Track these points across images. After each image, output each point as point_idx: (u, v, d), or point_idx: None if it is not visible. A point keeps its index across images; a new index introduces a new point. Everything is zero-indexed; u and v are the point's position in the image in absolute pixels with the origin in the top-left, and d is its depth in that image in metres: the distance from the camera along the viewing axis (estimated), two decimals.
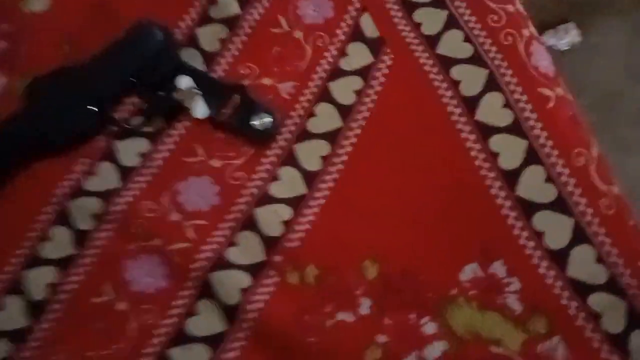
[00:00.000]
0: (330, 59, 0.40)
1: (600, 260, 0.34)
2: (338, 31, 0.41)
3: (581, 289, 0.33)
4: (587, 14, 1.33)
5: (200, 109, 0.38)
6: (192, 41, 0.41)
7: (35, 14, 0.43)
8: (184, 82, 0.39)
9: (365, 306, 0.34)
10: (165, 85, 0.38)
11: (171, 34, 0.40)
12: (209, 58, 0.41)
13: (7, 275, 0.36)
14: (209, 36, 0.41)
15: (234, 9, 0.42)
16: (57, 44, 0.42)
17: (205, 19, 0.42)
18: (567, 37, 1.28)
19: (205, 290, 0.34)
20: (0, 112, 0.41)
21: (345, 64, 0.40)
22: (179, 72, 0.39)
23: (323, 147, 0.38)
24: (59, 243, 0.36)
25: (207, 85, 0.39)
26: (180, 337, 0.34)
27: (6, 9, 0.43)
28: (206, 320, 0.34)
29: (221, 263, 0.35)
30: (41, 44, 0.43)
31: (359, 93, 0.39)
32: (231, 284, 0.34)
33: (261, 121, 0.38)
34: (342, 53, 0.40)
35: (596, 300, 0.33)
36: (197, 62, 0.41)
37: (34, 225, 0.37)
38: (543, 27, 1.30)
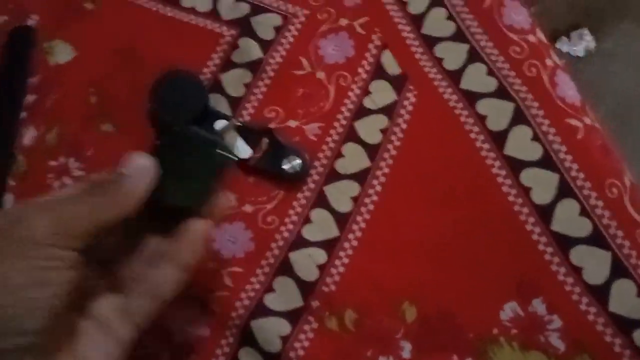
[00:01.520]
0: (354, 98, 0.40)
1: None
2: (360, 69, 0.41)
3: (625, 325, 0.33)
4: (601, 20, 1.32)
5: (243, 148, 0.38)
6: (217, 86, 0.42)
7: (61, 65, 0.44)
8: (220, 124, 0.39)
9: (406, 350, 0.34)
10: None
11: (199, 79, 0.41)
12: (235, 103, 0.41)
13: None
14: (234, 81, 0.42)
15: (256, 52, 0.42)
16: (84, 93, 0.43)
17: (228, 64, 0.42)
18: (582, 43, 1.27)
19: (246, 339, 0.35)
20: (30, 163, 0.42)
21: (369, 103, 0.40)
22: (209, 117, 0.39)
23: (353, 187, 0.38)
24: None
25: (236, 130, 0.40)
26: None
27: (35, 64, 0.44)
28: None
29: (260, 310, 0.35)
30: (68, 95, 0.43)
31: (385, 132, 0.39)
32: (271, 331, 0.34)
33: (291, 164, 0.38)
34: (366, 91, 0.40)
35: None
36: (224, 107, 0.41)
37: None
38: (557, 34, 1.30)
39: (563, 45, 1.27)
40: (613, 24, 1.29)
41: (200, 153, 0.32)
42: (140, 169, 0.29)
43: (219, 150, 0.32)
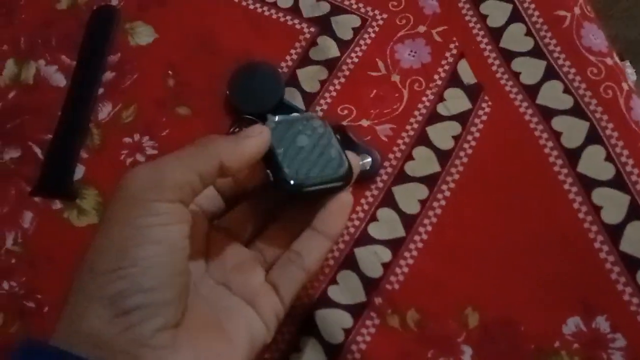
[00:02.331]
0: (427, 103, 0.41)
1: None
2: (435, 76, 0.42)
3: None
4: None
5: None
6: (293, 81, 0.43)
7: (141, 47, 0.46)
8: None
9: (467, 354, 0.34)
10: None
11: (278, 72, 0.42)
12: (309, 98, 0.42)
13: None
14: (309, 77, 0.43)
15: (334, 51, 0.43)
16: (161, 75, 0.44)
17: (306, 60, 0.43)
18: None
19: (308, 328, 0.35)
20: (104, 138, 0.43)
21: (442, 109, 0.41)
22: (284, 109, 0.40)
23: (421, 190, 0.38)
24: None
25: None
26: None
27: (116, 43, 0.45)
28: (308, 358, 0.35)
29: (323, 301, 0.36)
30: (145, 75, 0.45)
31: (457, 138, 0.40)
32: (333, 322, 0.35)
33: (362, 162, 0.39)
34: (440, 98, 0.41)
35: None
36: (298, 102, 0.42)
37: None
38: None
39: None
40: None
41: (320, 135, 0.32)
42: (250, 131, 0.29)
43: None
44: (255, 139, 0.29)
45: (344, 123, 0.41)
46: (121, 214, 0.25)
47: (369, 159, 0.39)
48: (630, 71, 1.29)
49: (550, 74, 0.40)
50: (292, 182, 0.29)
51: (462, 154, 0.39)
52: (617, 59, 0.42)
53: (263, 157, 0.30)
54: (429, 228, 0.38)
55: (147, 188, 0.25)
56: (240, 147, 0.28)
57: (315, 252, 0.30)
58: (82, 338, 0.24)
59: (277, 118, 0.31)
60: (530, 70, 0.41)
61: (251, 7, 0.46)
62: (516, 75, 0.41)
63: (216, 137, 0.28)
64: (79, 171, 0.42)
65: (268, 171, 0.30)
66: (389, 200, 0.38)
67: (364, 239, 0.37)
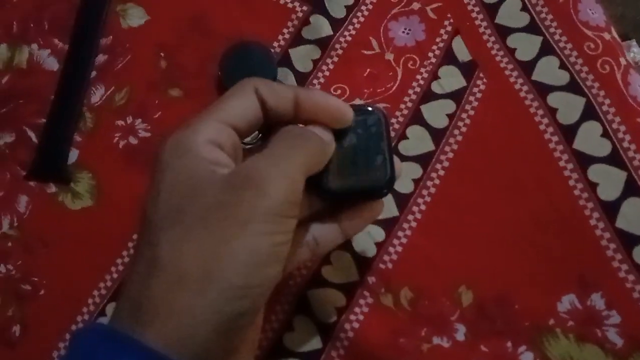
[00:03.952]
0: (422, 82, 0.41)
1: None
2: (430, 54, 0.41)
3: None
4: None
5: None
6: (286, 61, 0.42)
7: (133, 28, 0.45)
8: None
9: (460, 332, 0.34)
10: None
11: (270, 52, 0.41)
12: (302, 78, 0.42)
13: None
14: (302, 56, 0.42)
15: (326, 30, 0.43)
16: (154, 57, 0.44)
17: (298, 40, 0.43)
18: (629, 54, 1.25)
19: (302, 307, 0.35)
20: (97, 121, 0.43)
21: (437, 87, 0.40)
22: None
23: (415, 169, 0.38)
24: None
25: None
26: (277, 352, 0.34)
27: (108, 25, 0.45)
28: (302, 337, 0.35)
29: (316, 280, 0.35)
30: (137, 57, 0.44)
31: (451, 116, 0.39)
32: (327, 301, 0.35)
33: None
34: (434, 76, 0.41)
35: None
36: (291, 81, 0.42)
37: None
38: None
39: None
40: None
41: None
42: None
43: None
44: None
45: None
46: (240, 220, 0.23)
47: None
48: (636, 50, 1.27)
49: (546, 49, 0.40)
50: (330, 186, 0.28)
51: (456, 132, 0.39)
52: (615, 33, 0.41)
53: None
54: (423, 207, 0.37)
55: (280, 200, 0.24)
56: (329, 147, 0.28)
57: (329, 245, 0.30)
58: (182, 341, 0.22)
59: None
60: (526, 46, 0.40)
61: None
62: (512, 51, 0.40)
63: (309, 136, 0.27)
64: (73, 155, 0.42)
65: None
66: None
67: None
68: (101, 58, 0.44)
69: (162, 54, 0.44)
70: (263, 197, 0.23)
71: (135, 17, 0.45)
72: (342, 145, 0.29)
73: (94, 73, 0.44)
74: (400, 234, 0.37)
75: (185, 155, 0.24)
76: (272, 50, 0.42)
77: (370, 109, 0.30)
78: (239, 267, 0.22)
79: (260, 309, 0.26)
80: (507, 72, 0.40)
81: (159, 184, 0.24)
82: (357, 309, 0.35)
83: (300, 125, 0.28)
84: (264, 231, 0.23)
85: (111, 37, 0.45)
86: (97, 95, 0.43)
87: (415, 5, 0.43)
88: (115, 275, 0.38)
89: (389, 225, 0.37)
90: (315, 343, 0.34)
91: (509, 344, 0.33)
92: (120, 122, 0.42)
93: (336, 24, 0.43)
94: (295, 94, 0.27)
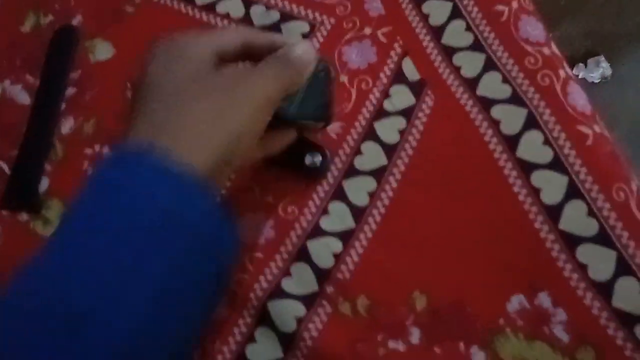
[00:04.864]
0: (375, 101, 0.43)
1: None
2: (381, 74, 0.44)
3: (628, 320, 0.34)
4: (617, 47, 1.34)
5: None
6: None
7: (100, 62, 0.47)
8: None
9: (415, 336, 0.35)
10: None
11: None
12: None
13: None
14: None
15: None
16: (119, 88, 0.46)
17: None
18: (598, 70, 1.29)
19: (263, 319, 0.36)
20: (68, 150, 0.44)
21: (388, 105, 0.42)
22: None
23: (370, 183, 0.40)
24: None
25: None
26: None
27: (77, 60, 0.47)
28: (263, 348, 0.36)
29: (277, 293, 0.37)
30: (105, 89, 0.46)
31: (402, 132, 0.41)
32: (287, 312, 0.36)
33: (313, 160, 0.40)
34: (386, 95, 0.43)
35: None
36: None
37: None
38: (573, 61, 1.32)
39: (580, 71, 1.29)
40: (629, 50, 1.31)
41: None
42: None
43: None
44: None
45: None
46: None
47: (320, 157, 0.41)
48: (605, 65, 1.31)
49: (489, 66, 0.42)
50: (291, 111, 0.35)
51: (407, 146, 0.41)
52: (555, 48, 0.43)
53: None
54: (378, 218, 0.39)
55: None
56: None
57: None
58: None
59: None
60: (470, 63, 0.42)
61: (205, 19, 0.48)
62: (457, 69, 0.43)
63: None
64: (44, 183, 0.44)
65: None
66: (339, 194, 0.40)
67: (316, 232, 0.39)
68: (70, 91, 0.47)
69: (128, 85, 0.46)
70: (254, 87, 0.31)
71: (102, 51, 0.48)
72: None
73: (63, 105, 0.46)
74: (356, 244, 0.38)
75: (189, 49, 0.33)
76: None
77: (319, 57, 0.37)
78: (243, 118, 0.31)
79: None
80: (453, 89, 0.42)
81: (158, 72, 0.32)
82: (316, 318, 0.36)
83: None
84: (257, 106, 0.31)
85: (80, 71, 0.47)
86: (67, 126, 0.45)
87: (367, 30, 0.45)
88: None
89: (346, 237, 0.39)
90: (276, 353, 0.36)
91: (462, 345, 0.35)
92: (89, 151, 0.44)
93: None
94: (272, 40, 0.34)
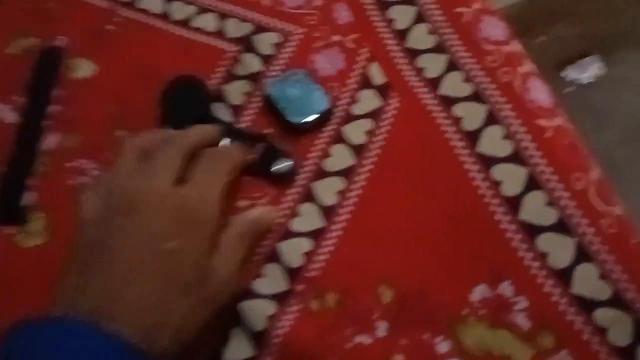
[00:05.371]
0: (344, 106, 0.44)
1: (603, 276, 0.35)
2: (349, 80, 0.45)
3: (586, 305, 0.35)
4: (610, 47, 1.35)
5: None
6: (221, 96, 0.46)
7: (83, 79, 0.50)
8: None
9: (382, 329, 0.36)
10: None
11: (205, 86, 0.45)
12: (236, 110, 0.45)
13: None
14: (235, 91, 0.46)
15: (257, 66, 0.47)
16: (102, 105, 0.48)
17: (231, 77, 0.47)
18: (590, 70, 1.30)
19: (236, 321, 0.38)
20: (50, 165, 0.46)
21: (356, 109, 0.44)
22: (210, 122, 0.44)
23: (338, 183, 0.41)
24: None
25: (234, 135, 0.44)
26: None
27: (60, 78, 0.50)
28: (237, 347, 0.37)
29: (250, 294, 0.38)
30: (87, 106, 0.48)
31: (369, 133, 0.43)
32: (258, 312, 0.37)
33: (282, 165, 0.42)
34: (354, 100, 0.44)
35: (601, 315, 0.34)
36: (226, 115, 0.45)
37: None
38: (566, 62, 1.33)
39: (573, 72, 1.30)
40: (623, 51, 1.32)
41: None
42: None
43: None
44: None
45: (267, 131, 0.44)
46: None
47: (289, 163, 0.42)
48: (598, 65, 1.32)
49: (451, 66, 0.43)
50: (293, 120, 0.43)
51: (374, 146, 0.42)
52: (516, 45, 0.45)
53: (271, 110, 0.44)
54: (347, 216, 0.40)
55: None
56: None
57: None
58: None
59: (271, 82, 0.45)
60: (433, 65, 0.44)
61: (179, 34, 0.50)
62: (420, 70, 0.44)
63: None
64: (28, 197, 0.45)
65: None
66: (309, 196, 0.41)
67: (287, 234, 0.40)
68: (54, 108, 0.49)
69: (110, 101, 0.48)
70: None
71: (85, 69, 0.50)
72: (287, 96, 0.44)
73: (48, 122, 0.48)
74: (326, 242, 0.40)
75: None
76: (207, 87, 0.46)
77: (296, 70, 0.45)
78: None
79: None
80: (416, 90, 0.43)
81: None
82: (287, 316, 0.37)
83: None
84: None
85: (63, 88, 0.49)
86: (51, 141, 0.47)
87: (336, 38, 0.47)
88: None
89: (316, 236, 0.40)
90: (248, 351, 0.37)
91: (427, 335, 0.36)
92: (72, 165, 0.46)
93: (265, 60, 0.47)
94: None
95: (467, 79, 0.43)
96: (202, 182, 0.37)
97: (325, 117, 0.43)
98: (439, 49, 0.45)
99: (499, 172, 0.39)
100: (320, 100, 0.43)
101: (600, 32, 1.37)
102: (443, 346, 0.35)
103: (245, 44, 0.48)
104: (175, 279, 0.33)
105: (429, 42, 0.45)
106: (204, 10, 0.50)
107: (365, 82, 0.45)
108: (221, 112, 0.46)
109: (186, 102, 0.45)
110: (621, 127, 1.20)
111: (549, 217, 0.37)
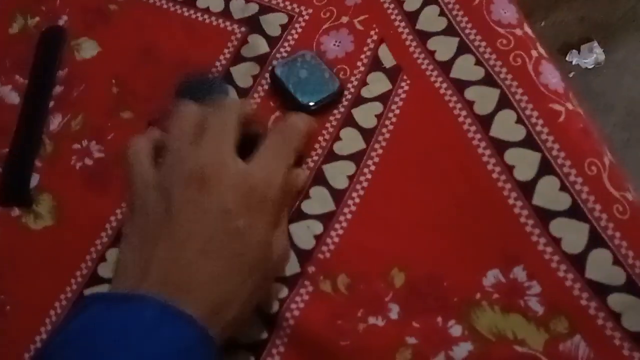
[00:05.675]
0: (352, 89, 0.44)
1: (617, 262, 0.35)
2: (358, 63, 0.45)
3: (600, 290, 0.35)
4: (611, 33, 1.34)
5: None
6: (228, 79, 0.45)
7: (86, 60, 0.49)
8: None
9: (394, 311, 0.36)
10: None
11: (223, 83, 0.45)
12: (243, 93, 0.45)
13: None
14: (242, 73, 0.45)
15: (264, 47, 0.46)
16: (107, 85, 0.47)
17: (238, 58, 0.46)
18: (592, 55, 1.29)
19: None
20: (56, 146, 0.46)
21: (366, 92, 0.43)
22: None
23: (349, 167, 0.41)
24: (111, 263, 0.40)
25: None
26: (227, 347, 0.36)
27: (63, 58, 0.49)
28: (249, 330, 0.37)
29: None
30: (91, 86, 0.48)
31: (379, 117, 0.42)
32: (271, 295, 0.37)
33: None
34: (363, 83, 0.44)
35: (615, 300, 0.34)
36: (234, 96, 0.45)
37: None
38: (567, 47, 1.33)
39: (574, 57, 1.29)
40: (623, 36, 1.31)
41: None
42: None
43: None
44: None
45: (276, 114, 0.44)
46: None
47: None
48: (598, 51, 1.32)
49: (463, 49, 0.43)
50: (305, 102, 0.42)
51: (384, 130, 0.42)
52: (527, 29, 0.44)
53: (281, 91, 0.43)
54: (357, 200, 0.40)
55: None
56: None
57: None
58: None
59: (280, 63, 0.44)
60: (444, 47, 0.43)
61: (185, 14, 0.49)
62: (431, 53, 0.43)
63: None
64: (34, 179, 0.45)
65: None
66: (319, 179, 0.41)
67: (298, 216, 0.40)
68: (58, 89, 0.48)
69: (114, 81, 0.47)
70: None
71: (88, 49, 0.49)
72: (297, 77, 0.43)
73: (52, 103, 0.47)
74: (337, 226, 0.39)
75: None
76: (215, 70, 0.46)
77: (304, 51, 0.44)
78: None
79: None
80: (427, 73, 0.43)
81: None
82: (297, 298, 0.37)
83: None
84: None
85: (67, 69, 0.48)
86: (55, 122, 0.46)
87: (344, 19, 0.46)
88: (75, 287, 0.41)
89: (326, 219, 0.40)
90: (261, 334, 0.37)
91: (439, 319, 0.36)
92: (76, 146, 0.45)
93: (272, 42, 0.46)
94: None
95: (479, 62, 0.42)
96: (271, 164, 0.36)
97: (335, 98, 0.43)
98: (450, 31, 0.44)
99: (511, 156, 0.39)
100: (330, 81, 0.43)
101: (600, 18, 1.37)
102: (455, 330, 0.35)
103: (252, 25, 0.47)
104: (242, 257, 0.33)
105: (440, 24, 0.44)
106: None
107: (375, 65, 0.44)
108: (228, 94, 0.45)
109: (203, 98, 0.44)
110: (622, 112, 1.20)
111: (563, 202, 0.37)
